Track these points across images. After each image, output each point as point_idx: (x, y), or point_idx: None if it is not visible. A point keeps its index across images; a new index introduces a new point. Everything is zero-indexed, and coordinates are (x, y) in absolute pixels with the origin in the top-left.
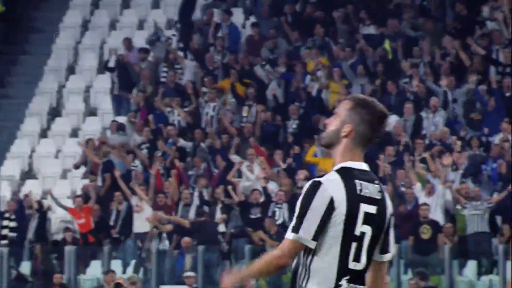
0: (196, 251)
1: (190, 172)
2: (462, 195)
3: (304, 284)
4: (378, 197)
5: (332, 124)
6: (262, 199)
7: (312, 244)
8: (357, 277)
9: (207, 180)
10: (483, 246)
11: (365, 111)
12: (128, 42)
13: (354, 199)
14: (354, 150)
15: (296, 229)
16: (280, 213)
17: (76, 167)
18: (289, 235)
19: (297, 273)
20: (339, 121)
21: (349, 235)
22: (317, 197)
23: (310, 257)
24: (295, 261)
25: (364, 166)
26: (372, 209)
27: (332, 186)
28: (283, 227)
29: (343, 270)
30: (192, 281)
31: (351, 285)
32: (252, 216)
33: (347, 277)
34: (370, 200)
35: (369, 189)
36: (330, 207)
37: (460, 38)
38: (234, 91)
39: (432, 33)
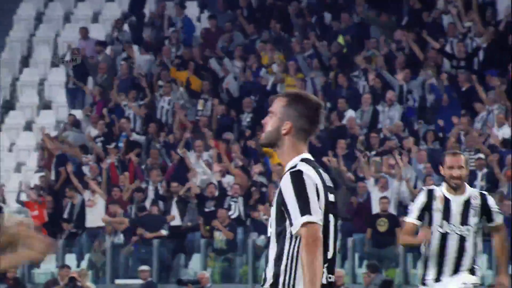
0: (151, 245)
1: (144, 166)
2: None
3: (293, 277)
4: (332, 185)
5: (269, 124)
6: (217, 193)
7: (322, 221)
8: (331, 266)
9: (162, 174)
10: None
11: (301, 105)
12: (84, 32)
13: (324, 188)
14: (298, 145)
15: (307, 211)
16: (236, 207)
17: (40, 168)
18: (301, 219)
19: (280, 264)
20: (277, 119)
21: (325, 224)
22: (306, 182)
23: (296, 247)
24: (274, 250)
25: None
26: (332, 197)
27: (311, 174)
28: (237, 220)
29: (323, 259)
30: (146, 275)
31: (327, 274)
32: (207, 210)
33: (326, 265)
34: (330, 189)
35: (326, 178)
36: (317, 193)
37: (414, 31)
38: (189, 85)
39: (386, 26)
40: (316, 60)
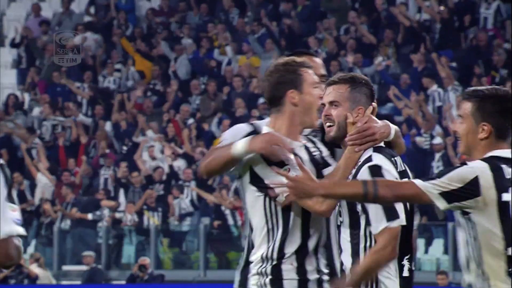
0: (100, 230)
1: (93, 150)
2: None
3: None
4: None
5: (334, 116)
6: (165, 177)
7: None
8: None
9: (111, 158)
10: None
11: (363, 87)
12: (37, 8)
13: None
14: None
15: (392, 216)
16: (188, 191)
17: None
18: (384, 225)
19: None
20: (344, 109)
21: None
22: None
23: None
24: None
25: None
26: None
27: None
28: (191, 203)
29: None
30: (90, 260)
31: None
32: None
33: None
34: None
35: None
36: None
37: (366, 14)
38: (137, 66)
39: (339, 8)
40: (269, 41)
